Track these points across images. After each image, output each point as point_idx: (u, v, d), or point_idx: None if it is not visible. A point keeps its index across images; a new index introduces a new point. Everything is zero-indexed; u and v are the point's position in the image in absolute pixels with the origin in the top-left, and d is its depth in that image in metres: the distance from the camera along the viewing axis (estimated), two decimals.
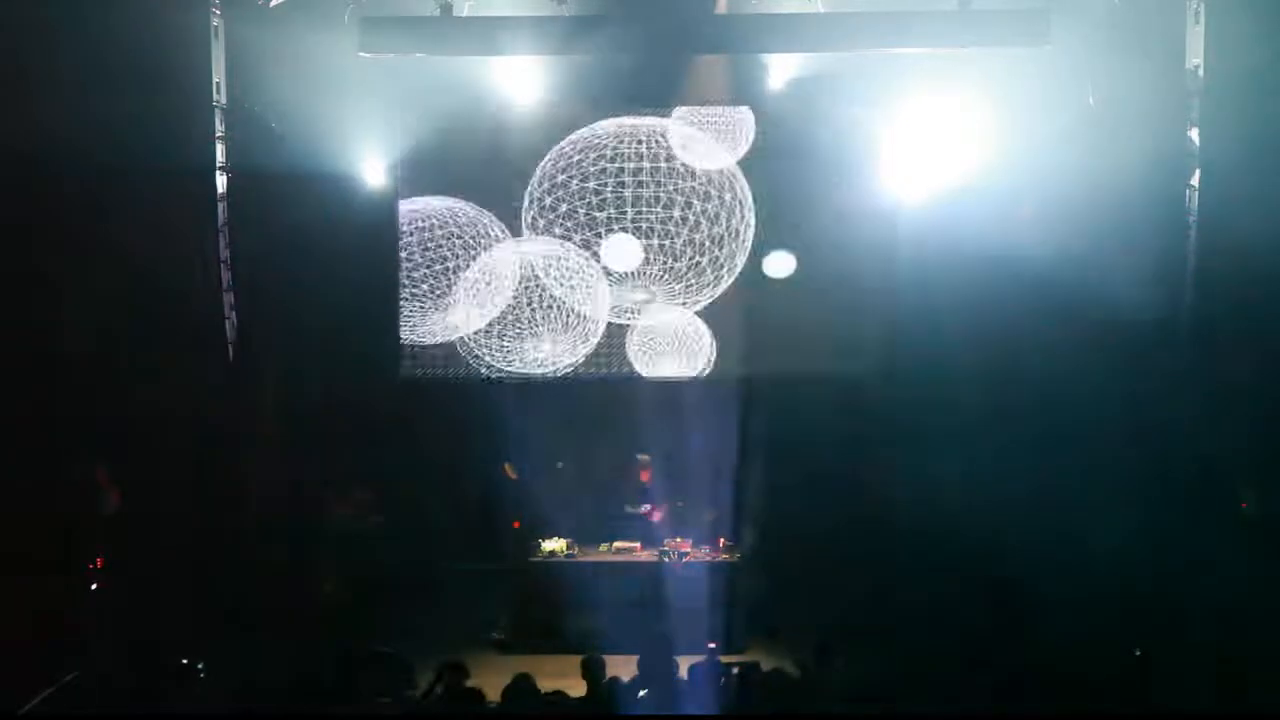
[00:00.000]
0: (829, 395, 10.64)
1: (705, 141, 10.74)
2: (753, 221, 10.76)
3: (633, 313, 10.81)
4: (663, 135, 10.74)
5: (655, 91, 10.69)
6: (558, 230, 10.77)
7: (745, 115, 10.73)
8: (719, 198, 10.75)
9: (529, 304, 10.81)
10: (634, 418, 10.56)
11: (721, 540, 9.61)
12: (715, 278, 10.80)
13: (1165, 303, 10.22)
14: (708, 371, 10.87)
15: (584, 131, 10.77)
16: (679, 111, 10.74)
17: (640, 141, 10.75)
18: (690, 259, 10.77)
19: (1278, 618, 7.91)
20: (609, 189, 10.73)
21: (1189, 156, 10.11)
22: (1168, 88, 10.07)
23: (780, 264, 10.75)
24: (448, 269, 10.83)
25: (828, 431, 10.46)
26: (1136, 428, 9.75)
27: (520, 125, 10.78)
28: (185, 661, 7.16)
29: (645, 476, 10.19)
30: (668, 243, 10.75)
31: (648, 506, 10.00)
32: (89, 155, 9.55)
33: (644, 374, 10.87)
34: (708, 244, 10.77)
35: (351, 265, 10.62)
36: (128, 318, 9.86)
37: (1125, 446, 9.68)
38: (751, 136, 10.72)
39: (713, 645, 8.31)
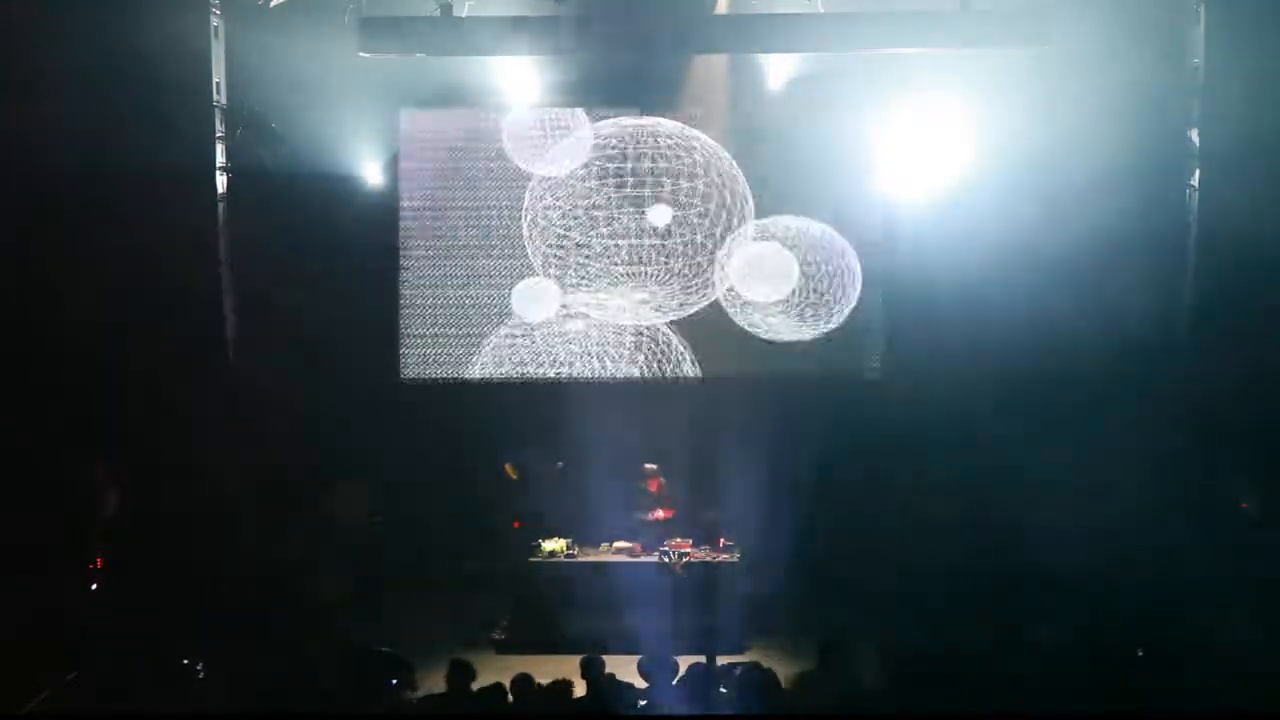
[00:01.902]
0: (828, 395, 10.65)
1: (535, 144, 10.70)
2: (752, 222, 10.76)
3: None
4: (654, 136, 10.74)
5: (655, 91, 10.69)
6: (558, 230, 10.79)
7: (580, 120, 10.67)
8: (718, 198, 10.75)
9: None
10: (634, 418, 10.56)
11: (721, 540, 9.60)
12: (716, 277, 10.80)
13: (1165, 302, 10.23)
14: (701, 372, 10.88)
15: (584, 131, 10.78)
16: (514, 115, 10.71)
17: (641, 142, 10.75)
18: (690, 259, 10.78)
19: (1276, 617, 7.90)
20: (609, 189, 10.74)
21: (1189, 156, 10.11)
22: (1168, 87, 10.07)
23: (659, 214, 10.68)
24: None
25: (827, 431, 10.45)
26: (1136, 427, 9.74)
27: (521, 124, 10.79)
28: (185, 661, 7.17)
29: (654, 487, 10.06)
30: (667, 243, 10.76)
31: (659, 513, 9.93)
32: (89, 155, 9.55)
33: (744, 295, 10.70)
34: (707, 244, 10.77)
35: (351, 265, 10.62)
36: (128, 317, 9.86)
37: (1124, 446, 9.67)
38: (589, 146, 10.65)
39: (713, 645, 8.31)
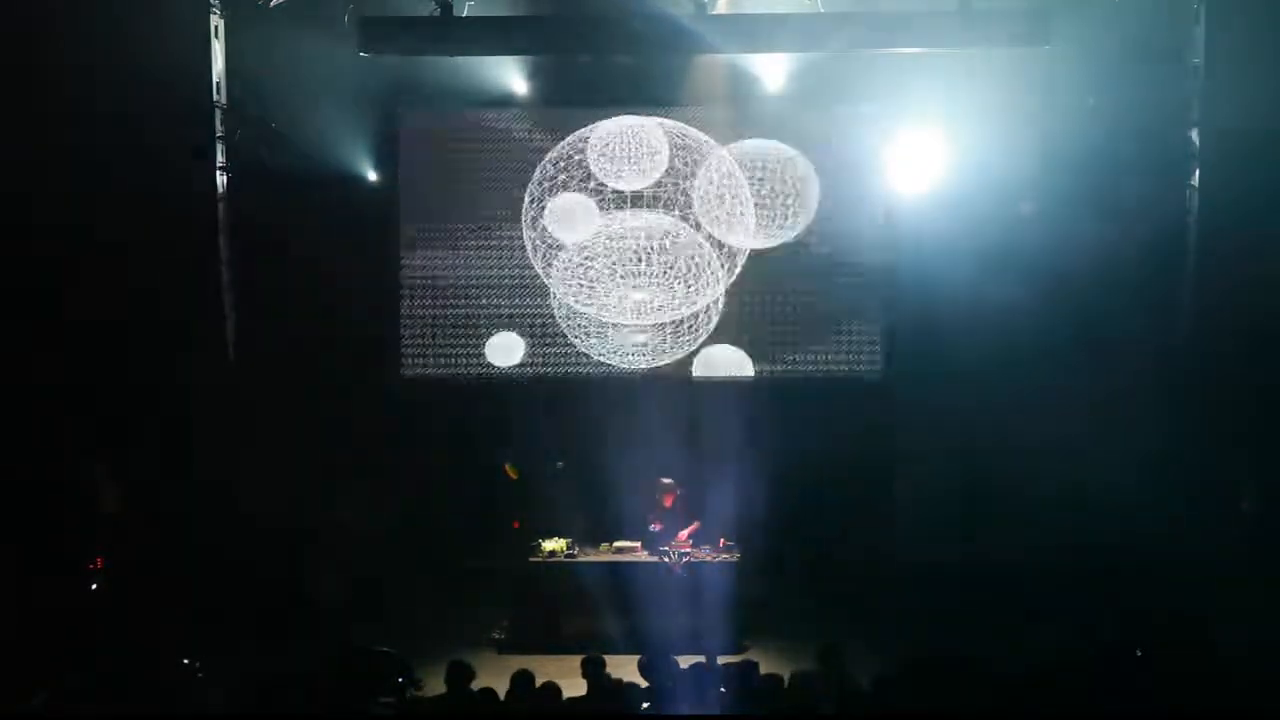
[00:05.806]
0: (828, 395, 10.65)
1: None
2: (753, 222, 10.76)
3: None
4: (654, 135, 10.72)
5: (655, 91, 10.69)
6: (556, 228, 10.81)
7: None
8: (719, 197, 10.75)
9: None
10: (634, 418, 10.55)
11: (721, 540, 9.60)
12: (716, 277, 10.80)
13: (1165, 302, 10.23)
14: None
15: (584, 131, 10.78)
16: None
17: (641, 142, 10.75)
18: (691, 258, 10.78)
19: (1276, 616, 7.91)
20: (609, 189, 10.74)
21: (1189, 157, 10.11)
22: (1168, 88, 10.07)
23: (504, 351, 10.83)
24: None
25: (827, 431, 10.45)
26: (1136, 427, 9.75)
27: (520, 125, 10.80)
28: (185, 661, 7.17)
29: (669, 501, 9.79)
30: (668, 242, 10.76)
31: (658, 526, 9.78)
32: (89, 155, 9.55)
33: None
34: (708, 243, 10.78)
35: (351, 265, 10.62)
36: (128, 317, 9.86)
37: (1124, 446, 9.67)
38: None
39: (713, 645, 8.32)
